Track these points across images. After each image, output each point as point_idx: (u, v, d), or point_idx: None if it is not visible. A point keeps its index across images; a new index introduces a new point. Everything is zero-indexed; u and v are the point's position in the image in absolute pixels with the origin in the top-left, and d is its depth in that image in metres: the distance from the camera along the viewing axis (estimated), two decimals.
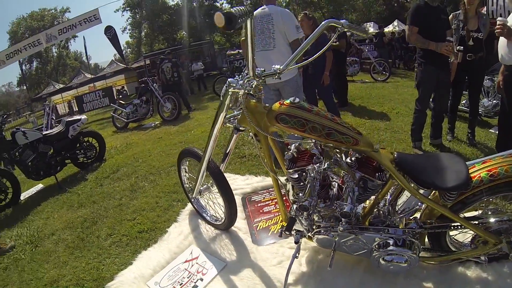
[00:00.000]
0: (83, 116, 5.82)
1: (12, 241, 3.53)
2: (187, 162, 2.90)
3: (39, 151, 5.06)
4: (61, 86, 25.67)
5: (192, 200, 2.98)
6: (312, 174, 1.78)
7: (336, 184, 1.92)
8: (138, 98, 9.12)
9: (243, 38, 4.21)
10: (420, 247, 1.77)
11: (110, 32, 19.25)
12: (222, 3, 31.27)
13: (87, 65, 34.82)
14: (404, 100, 6.59)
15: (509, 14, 3.80)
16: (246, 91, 1.85)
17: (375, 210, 1.88)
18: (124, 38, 40.84)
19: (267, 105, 1.90)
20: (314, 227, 1.93)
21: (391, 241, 1.73)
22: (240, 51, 24.05)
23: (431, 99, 4.10)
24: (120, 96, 16.07)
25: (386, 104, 6.46)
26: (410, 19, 3.62)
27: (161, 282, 2.37)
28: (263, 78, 1.85)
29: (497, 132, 3.74)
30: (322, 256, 2.26)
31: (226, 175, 2.54)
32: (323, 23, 1.90)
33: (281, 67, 1.81)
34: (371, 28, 21.35)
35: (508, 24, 2.90)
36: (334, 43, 5.92)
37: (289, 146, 1.95)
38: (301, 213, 1.87)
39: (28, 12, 37.51)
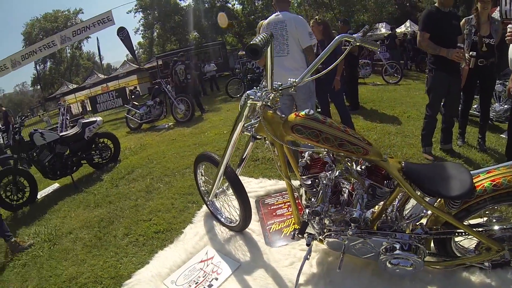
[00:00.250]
0: (99, 118, 5.96)
1: (31, 238, 3.64)
2: (203, 166, 2.99)
3: (56, 152, 5.19)
4: (75, 86, 26.07)
5: (208, 202, 3.07)
6: (324, 181, 1.89)
7: (347, 190, 2.01)
8: (152, 100, 9.24)
9: None
10: (426, 252, 1.84)
11: (123, 33, 19.47)
12: (234, 4, 31.41)
13: (100, 65, 35.22)
14: (415, 104, 6.59)
15: None
16: (264, 102, 1.97)
17: (383, 215, 1.96)
18: (136, 39, 41.15)
19: (283, 116, 2.00)
20: (325, 230, 2.02)
21: (397, 246, 1.81)
22: None
23: (442, 104, 4.11)
24: (133, 96, 16.28)
25: (397, 108, 6.47)
26: (421, 25, 3.62)
27: (177, 280, 2.45)
28: (280, 91, 1.97)
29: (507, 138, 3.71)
30: (332, 258, 2.33)
31: (240, 178, 2.63)
32: (336, 37, 2.02)
33: (296, 80, 1.94)
34: (383, 28, 21.22)
35: None
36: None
37: (303, 154, 2.05)
38: (313, 217, 1.97)
39: (42, 14, 38.11)
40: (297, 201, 2.26)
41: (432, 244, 2.01)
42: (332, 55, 2.17)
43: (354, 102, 6.94)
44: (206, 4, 30.10)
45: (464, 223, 1.80)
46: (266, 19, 3.82)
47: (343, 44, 5.40)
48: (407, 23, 20.76)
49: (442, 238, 1.90)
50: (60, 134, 5.47)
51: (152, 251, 2.87)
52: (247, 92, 2.01)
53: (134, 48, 25.18)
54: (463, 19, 4.00)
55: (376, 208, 1.98)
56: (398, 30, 19.21)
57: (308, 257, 2.08)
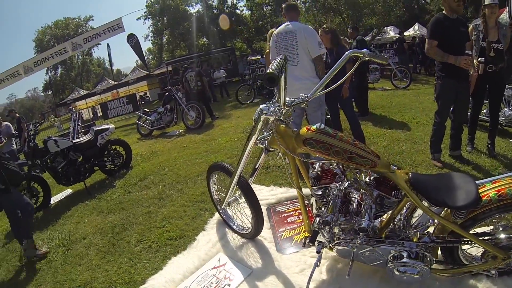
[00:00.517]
0: (111, 126, 6.08)
1: (45, 243, 3.72)
2: (216, 175, 3.07)
3: (69, 158, 5.31)
4: (85, 92, 26.42)
5: (221, 211, 3.15)
6: (334, 192, 1.97)
7: (356, 200, 2.07)
8: (163, 106, 9.34)
9: (267, 51, 4.37)
10: (433, 260, 1.90)
11: (133, 40, 19.74)
12: (243, 10, 31.65)
13: (110, 71, 35.68)
14: (424, 109, 6.58)
15: None
16: (276, 117, 2.05)
17: (391, 224, 2.02)
18: (146, 45, 41.55)
19: (295, 130, 2.08)
20: (335, 239, 2.09)
21: (405, 254, 1.88)
22: (260, 57, 24.21)
23: (451, 110, 4.12)
24: (143, 102, 16.43)
25: (406, 113, 6.47)
26: (429, 33, 3.63)
27: (191, 286, 2.51)
28: (292, 106, 2.06)
29: None
30: (341, 265, 2.38)
31: (252, 186, 2.69)
32: (346, 53, 2.12)
33: (308, 95, 2.05)
34: (392, 32, 21.16)
35: None
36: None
37: (314, 165, 2.12)
38: (323, 226, 2.04)
39: (53, 21, 38.97)
40: (307, 209, 2.32)
41: (439, 252, 2.05)
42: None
43: (364, 108, 6.95)
44: (215, 10, 30.37)
45: (471, 231, 1.85)
46: (274, 24, 3.90)
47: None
48: (416, 26, 20.62)
49: (449, 246, 1.94)
50: (73, 141, 5.59)
51: (165, 257, 2.93)
52: (261, 106, 2.09)
53: (144, 54, 25.50)
54: (471, 25, 4.01)
55: (385, 217, 2.04)
56: (406, 33, 19.12)
57: (318, 264, 2.13)
